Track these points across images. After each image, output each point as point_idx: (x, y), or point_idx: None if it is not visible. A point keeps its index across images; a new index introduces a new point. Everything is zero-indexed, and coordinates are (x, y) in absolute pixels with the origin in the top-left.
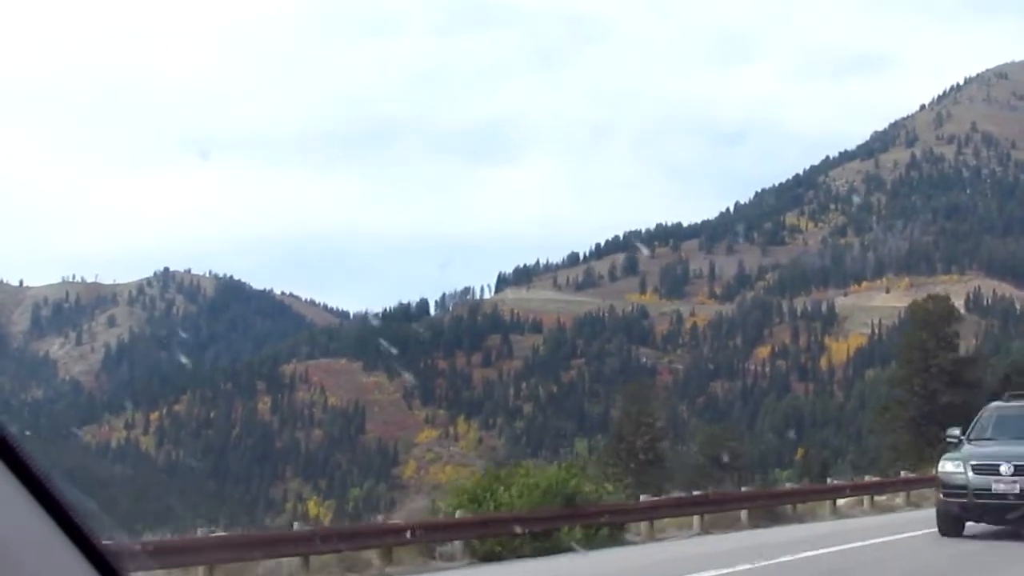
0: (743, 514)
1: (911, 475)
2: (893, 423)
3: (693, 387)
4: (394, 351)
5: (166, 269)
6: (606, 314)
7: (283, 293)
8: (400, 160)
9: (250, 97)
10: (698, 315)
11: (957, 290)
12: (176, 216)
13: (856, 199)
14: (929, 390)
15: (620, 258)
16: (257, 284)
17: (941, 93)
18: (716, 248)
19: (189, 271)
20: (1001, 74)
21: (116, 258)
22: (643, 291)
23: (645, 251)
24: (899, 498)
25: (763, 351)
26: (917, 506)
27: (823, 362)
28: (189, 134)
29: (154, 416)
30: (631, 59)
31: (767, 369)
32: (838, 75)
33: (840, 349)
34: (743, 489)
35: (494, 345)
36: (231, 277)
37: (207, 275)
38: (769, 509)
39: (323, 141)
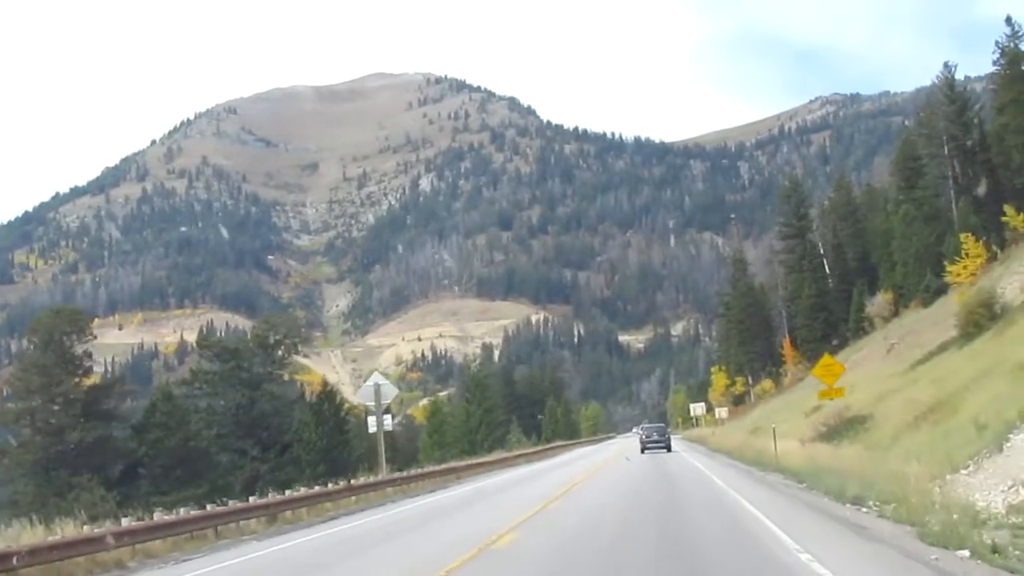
0: None
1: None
2: (14, 470)
3: None
4: None
5: None
6: None
7: None
8: None
9: None
10: None
11: (191, 323)
12: None
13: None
14: (57, 425)
15: None
16: None
17: (172, 128)
18: None
19: None
20: (231, 109)
21: None
22: None
23: None
24: None
25: None
26: None
27: None
28: None
29: None
30: None
31: None
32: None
33: None
34: None
35: None
36: None
37: None
38: None
39: None
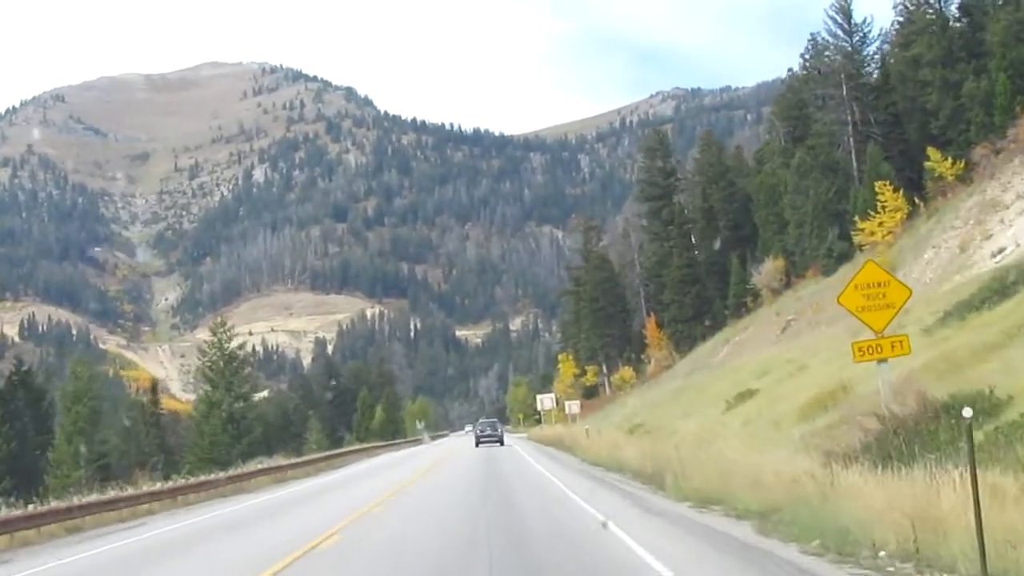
0: None
1: None
2: None
3: None
4: None
5: None
6: None
7: None
8: None
9: None
10: None
11: (12, 317)
12: None
13: None
14: None
15: None
16: None
17: None
18: None
19: None
20: (58, 96)
21: None
22: None
23: None
24: None
25: None
26: None
27: None
28: None
29: None
30: None
31: None
32: None
33: None
34: None
35: None
36: None
37: None
38: None
39: None
